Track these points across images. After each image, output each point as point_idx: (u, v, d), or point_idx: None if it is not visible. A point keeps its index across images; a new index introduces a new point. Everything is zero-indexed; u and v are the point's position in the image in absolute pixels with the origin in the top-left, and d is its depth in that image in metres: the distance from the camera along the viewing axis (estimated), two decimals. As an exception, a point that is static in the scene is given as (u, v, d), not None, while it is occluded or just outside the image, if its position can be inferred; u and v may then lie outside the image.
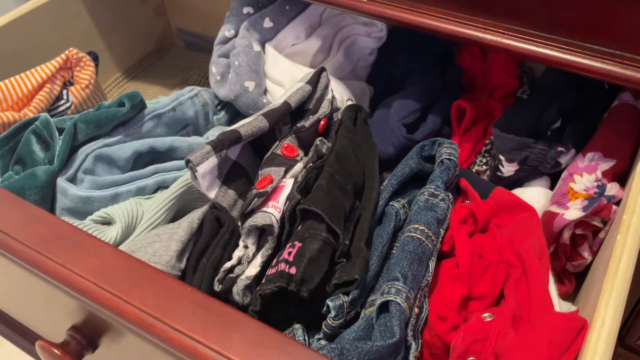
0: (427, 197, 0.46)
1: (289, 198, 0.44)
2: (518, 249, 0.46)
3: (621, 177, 0.52)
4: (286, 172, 0.46)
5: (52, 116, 0.58)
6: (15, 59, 0.67)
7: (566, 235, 0.51)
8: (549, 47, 0.47)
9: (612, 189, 0.50)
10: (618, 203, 0.50)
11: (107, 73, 0.82)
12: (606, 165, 0.51)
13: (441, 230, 0.45)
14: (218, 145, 0.44)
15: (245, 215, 0.44)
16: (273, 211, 0.43)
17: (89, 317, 0.45)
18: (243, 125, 0.47)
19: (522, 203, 0.50)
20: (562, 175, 0.53)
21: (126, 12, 0.84)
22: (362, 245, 0.43)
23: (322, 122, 0.51)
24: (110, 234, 0.47)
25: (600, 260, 0.49)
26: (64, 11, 0.73)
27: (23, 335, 0.68)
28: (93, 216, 0.48)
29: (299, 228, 0.43)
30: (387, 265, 0.44)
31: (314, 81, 0.52)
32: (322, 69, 0.53)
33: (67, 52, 0.61)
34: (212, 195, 0.45)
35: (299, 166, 0.47)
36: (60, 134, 0.51)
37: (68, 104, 0.60)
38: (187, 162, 0.43)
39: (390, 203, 0.47)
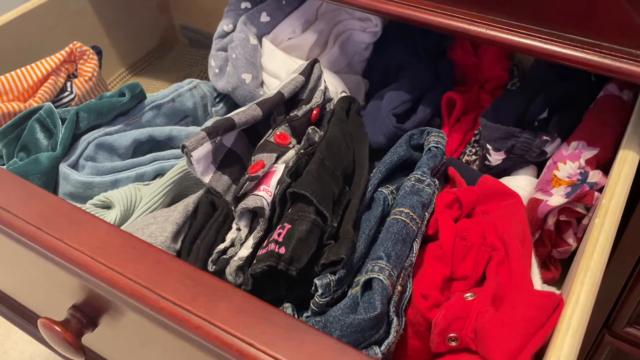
0: (413, 182, 0.48)
1: (279, 182, 0.46)
2: (501, 233, 0.48)
3: (605, 165, 0.54)
4: (278, 158, 0.48)
5: (56, 107, 0.60)
6: (21, 54, 0.69)
7: (550, 221, 0.52)
8: (531, 37, 0.49)
9: (595, 176, 0.52)
10: (601, 190, 0.52)
11: (111, 68, 0.85)
12: (589, 153, 0.53)
13: (426, 214, 0.47)
14: (212, 132, 0.46)
15: (238, 198, 0.45)
16: (264, 194, 0.45)
17: (89, 296, 0.47)
18: (237, 114, 0.49)
19: (507, 190, 0.51)
20: (547, 164, 0.54)
21: (130, 9, 0.86)
22: (349, 227, 0.45)
23: (314, 112, 0.53)
24: (109, 217, 0.49)
25: (582, 246, 0.50)
26: (70, 7, 0.76)
27: (28, 320, 0.70)
28: (94, 200, 0.50)
29: (289, 211, 0.45)
30: (373, 247, 0.46)
31: (307, 72, 0.54)
32: (315, 61, 0.55)
33: (71, 45, 0.63)
34: (206, 179, 0.47)
35: (290, 153, 0.49)
36: (63, 123, 0.53)
37: (72, 96, 0.62)
38: (183, 147, 0.45)
39: (379, 189, 0.49)
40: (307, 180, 0.45)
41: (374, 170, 0.51)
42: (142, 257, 0.38)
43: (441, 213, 0.48)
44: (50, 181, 0.52)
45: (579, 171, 0.52)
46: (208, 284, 0.36)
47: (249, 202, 0.45)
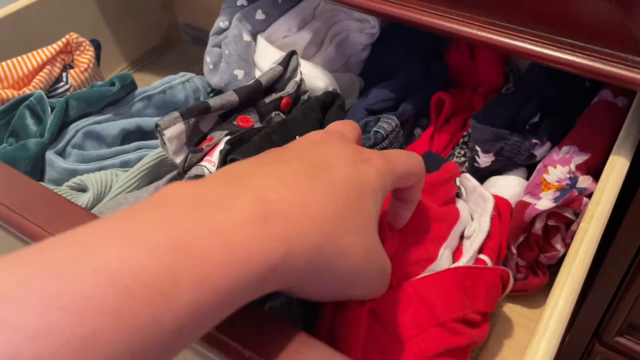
0: None
1: (220, 152, 0.47)
2: None
3: (596, 171, 0.53)
4: (228, 134, 0.49)
5: (51, 97, 0.61)
6: (24, 46, 0.69)
7: (538, 225, 0.52)
8: (524, 40, 0.49)
9: (585, 181, 0.51)
10: (590, 196, 0.51)
11: (113, 64, 0.85)
12: (580, 158, 0.52)
13: None
14: (186, 113, 0.47)
15: (185, 171, 0.47)
16: (207, 164, 0.46)
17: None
18: (214, 98, 0.49)
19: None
20: (538, 167, 0.54)
21: (134, 5, 0.87)
22: None
23: (284, 101, 0.53)
24: (82, 200, 0.49)
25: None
26: (73, 2, 0.77)
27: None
28: (69, 182, 0.51)
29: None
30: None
31: (285, 63, 0.55)
32: (293, 52, 0.56)
33: (67, 36, 0.64)
34: (178, 160, 0.48)
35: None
36: (53, 111, 0.54)
37: (67, 86, 0.63)
38: (156, 126, 0.46)
39: None
40: (247, 149, 0.46)
41: None
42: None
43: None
44: (37, 167, 0.53)
45: (568, 176, 0.51)
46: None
47: (192, 172, 0.46)
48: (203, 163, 0.46)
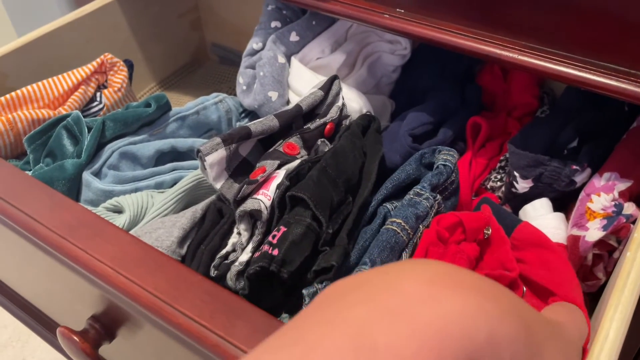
0: (412, 196, 0.47)
1: (278, 186, 0.46)
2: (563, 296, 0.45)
3: (638, 198, 0.52)
4: (281, 165, 0.48)
5: (85, 116, 0.61)
6: (58, 64, 0.70)
7: (590, 257, 0.50)
8: (564, 64, 0.48)
9: (630, 208, 0.50)
10: (635, 222, 0.50)
11: (142, 82, 0.86)
12: (623, 185, 0.51)
13: (420, 226, 0.46)
14: (228, 139, 0.47)
15: (239, 202, 0.46)
16: (262, 198, 0.45)
17: (109, 307, 0.47)
18: (254, 123, 0.49)
19: (549, 242, 0.48)
20: (580, 196, 0.53)
21: (164, 25, 0.88)
22: (344, 235, 0.44)
23: (328, 126, 0.53)
24: (119, 221, 0.49)
25: (613, 279, 0.49)
26: (106, 22, 0.77)
27: (47, 327, 0.70)
28: (106, 204, 0.51)
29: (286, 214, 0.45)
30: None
31: (327, 88, 0.54)
32: (335, 77, 0.55)
33: (102, 57, 0.64)
34: (218, 185, 0.47)
35: (296, 162, 0.49)
36: (90, 132, 0.54)
37: (101, 106, 0.63)
38: (198, 152, 0.46)
39: (383, 204, 0.48)
40: (307, 185, 0.45)
41: (381, 187, 0.50)
42: (162, 270, 0.38)
43: (430, 228, 0.45)
44: (73, 187, 0.53)
45: (613, 203, 0.50)
46: (226, 300, 0.35)
47: (247, 205, 0.45)
48: (259, 197, 0.46)
